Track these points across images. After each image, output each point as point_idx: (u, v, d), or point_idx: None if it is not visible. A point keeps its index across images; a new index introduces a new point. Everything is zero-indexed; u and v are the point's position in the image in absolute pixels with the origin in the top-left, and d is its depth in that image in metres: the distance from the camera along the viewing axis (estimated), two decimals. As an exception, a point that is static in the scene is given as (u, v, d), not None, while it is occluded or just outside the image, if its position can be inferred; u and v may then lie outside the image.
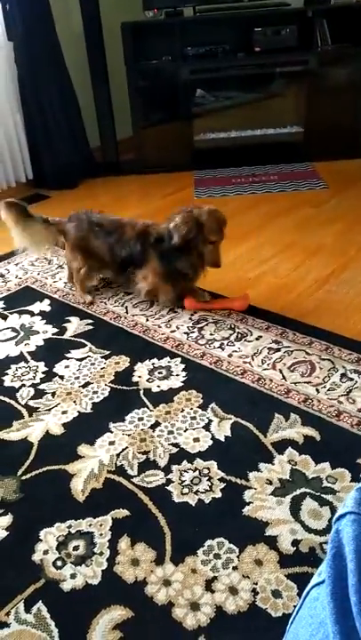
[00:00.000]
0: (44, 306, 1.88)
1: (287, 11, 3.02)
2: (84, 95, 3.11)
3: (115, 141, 3.24)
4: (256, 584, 0.94)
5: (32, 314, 1.84)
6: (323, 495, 1.09)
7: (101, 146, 3.27)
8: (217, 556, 0.99)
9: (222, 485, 1.13)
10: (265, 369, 1.47)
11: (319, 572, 0.47)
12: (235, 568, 0.97)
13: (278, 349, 1.55)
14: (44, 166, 3.04)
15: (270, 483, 1.13)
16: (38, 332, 1.73)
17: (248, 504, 1.08)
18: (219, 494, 1.11)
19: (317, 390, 1.38)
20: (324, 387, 1.39)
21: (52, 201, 2.96)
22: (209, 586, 0.94)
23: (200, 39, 3.01)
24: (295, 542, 1.01)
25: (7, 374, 1.54)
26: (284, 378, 1.43)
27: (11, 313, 1.86)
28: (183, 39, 2.97)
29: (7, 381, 1.51)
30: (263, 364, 1.50)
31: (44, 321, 1.79)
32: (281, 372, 1.46)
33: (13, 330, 1.76)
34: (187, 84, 3.09)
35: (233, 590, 0.93)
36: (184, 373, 1.48)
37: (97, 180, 3.20)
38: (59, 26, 2.87)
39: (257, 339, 1.61)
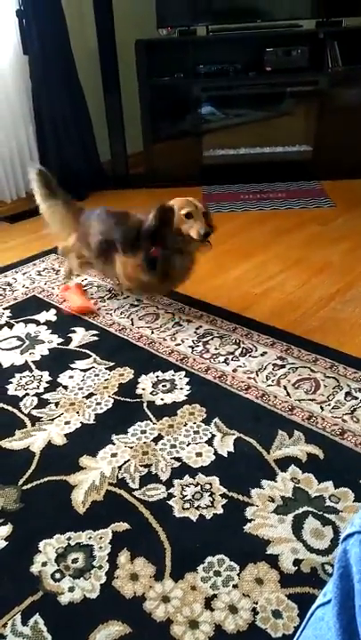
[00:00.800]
0: (50, 315, 1.89)
1: (299, 32, 3.07)
2: (96, 109, 3.15)
3: (125, 155, 3.28)
4: (256, 603, 0.93)
5: (38, 323, 1.85)
6: (325, 514, 1.08)
7: (111, 159, 3.31)
8: (217, 574, 0.98)
9: (224, 501, 1.12)
10: (269, 385, 1.47)
11: (325, 592, 0.47)
12: (235, 586, 0.95)
13: (283, 366, 1.55)
14: (54, 178, 3.07)
15: (272, 500, 1.12)
16: (43, 342, 1.73)
17: (250, 521, 1.07)
18: (220, 510, 1.10)
19: (322, 408, 1.37)
20: (329, 405, 1.38)
21: (61, 212, 2.98)
22: (208, 604, 0.93)
23: (212, 58, 3.06)
24: (297, 562, 0.99)
25: (11, 383, 1.54)
26: (288, 394, 1.43)
27: (17, 322, 1.86)
28: (196, 57, 3.02)
29: (11, 390, 1.51)
30: (268, 379, 1.49)
31: (50, 330, 1.80)
32: (285, 388, 1.45)
33: (19, 339, 1.76)
34: (198, 101, 3.13)
35: (233, 609, 0.92)
36: (188, 387, 1.48)
37: (106, 192, 3.24)
38: (73, 41, 2.92)
39: (262, 354, 1.60)
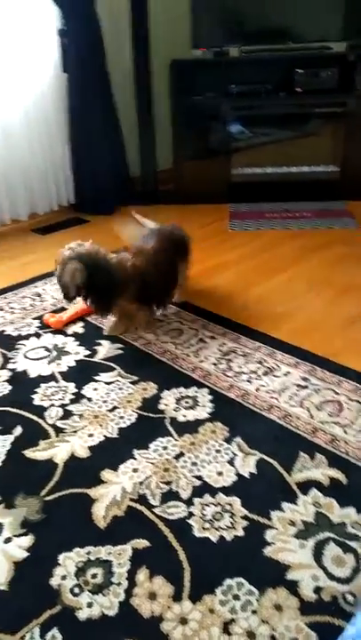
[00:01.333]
0: (78, 327, 1.92)
1: (329, 54, 3.09)
2: (129, 127, 3.22)
3: (155, 172, 3.33)
4: (275, 630, 0.91)
5: (65, 334, 1.88)
6: (347, 541, 1.06)
7: (141, 175, 3.36)
8: (236, 598, 0.97)
9: (245, 523, 1.11)
10: (292, 405, 1.46)
11: (353, 623, 0.46)
12: (254, 612, 0.94)
13: (306, 387, 1.54)
14: (86, 192, 3.14)
15: (293, 524, 1.11)
16: (70, 353, 1.76)
17: (270, 544, 1.06)
18: (241, 532, 1.09)
19: (345, 431, 1.36)
20: (352, 428, 1.37)
21: (90, 225, 3.04)
22: (226, 628, 0.92)
23: (244, 78, 3.10)
24: (317, 589, 0.98)
25: (37, 392, 1.56)
26: (311, 416, 1.42)
27: (45, 332, 1.90)
28: (228, 77, 3.07)
29: (37, 400, 1.53)
30: (290, 400, 1.48)
31: (77, 342, 1.82)
32: (308, 409, 1.44)
33: (46, 349, 1.79)
34: (228, 120, 3.17)
35: (251, 635, 0.91)
36: (211, 405, 1.48)
37: (135, 207, 3.28)
38: (110, 61, 3.00)
39: (285, 374, 1.60)
